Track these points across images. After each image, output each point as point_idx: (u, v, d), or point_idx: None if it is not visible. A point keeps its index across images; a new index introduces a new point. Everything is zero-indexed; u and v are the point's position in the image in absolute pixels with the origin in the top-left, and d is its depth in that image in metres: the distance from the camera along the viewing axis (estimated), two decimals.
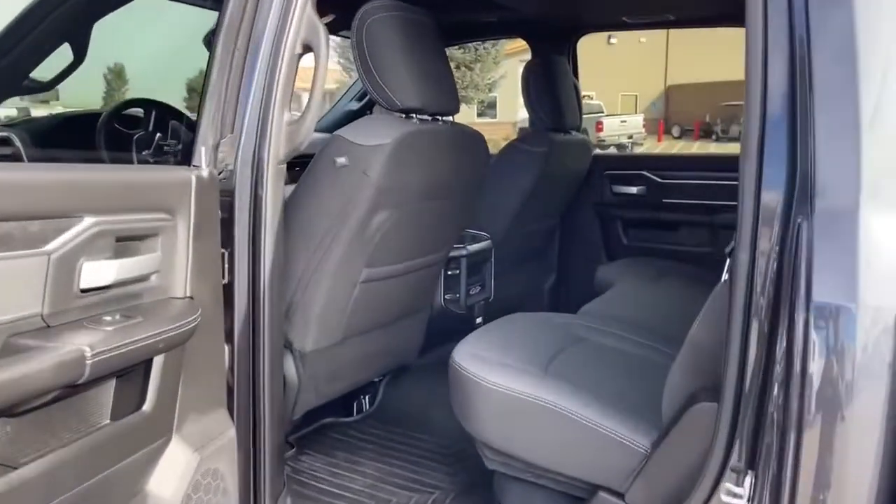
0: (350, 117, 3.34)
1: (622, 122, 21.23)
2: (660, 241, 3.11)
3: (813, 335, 1.00)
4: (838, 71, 1.03)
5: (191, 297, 1.34)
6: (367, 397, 2.35)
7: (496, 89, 22.82)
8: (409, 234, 1.92)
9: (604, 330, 1.96)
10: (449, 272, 2.40)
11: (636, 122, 21.90)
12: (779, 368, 1.05)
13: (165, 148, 2.01)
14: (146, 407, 1.24)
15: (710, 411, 1.23)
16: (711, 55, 24.45)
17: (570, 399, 1.48)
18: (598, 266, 3.21)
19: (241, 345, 1.60)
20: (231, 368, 1.62)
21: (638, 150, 20.50)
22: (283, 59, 1.54)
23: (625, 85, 25.71)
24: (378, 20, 1.73)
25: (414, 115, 1.81)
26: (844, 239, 0.99)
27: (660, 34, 25.48)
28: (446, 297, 2.40)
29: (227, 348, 1.60)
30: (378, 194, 1.70)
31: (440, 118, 1.91)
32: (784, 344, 1.04)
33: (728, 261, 1.21)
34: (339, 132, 1.72)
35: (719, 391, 1.22)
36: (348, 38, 2.71)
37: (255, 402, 1.64)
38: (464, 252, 2.40)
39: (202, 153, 1.41)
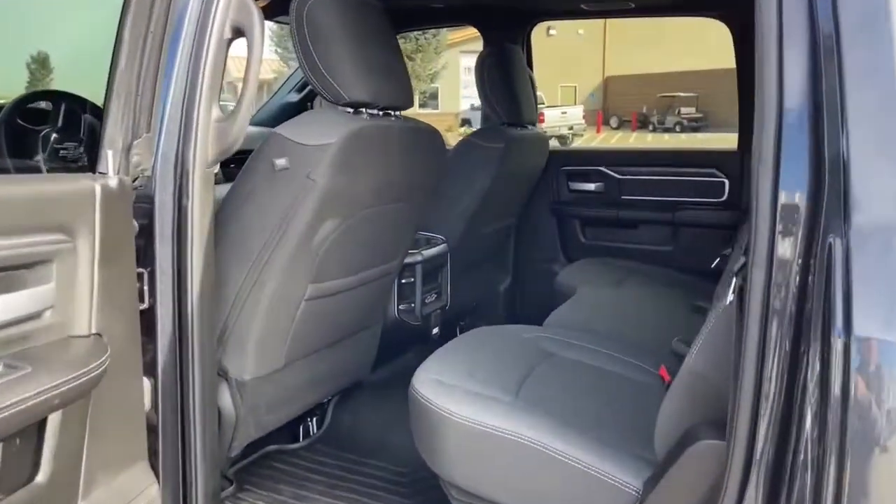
0: (288, 111, 3.09)
1: (563, 113, 21.33)
2: (619, 240, 2.99)
3: (854, 372, 0.84)
4: (877, 45, 0.87)
5: (97, 335, 1.11)
6: (313, 420, 2.14)
7: (438, 80, 22.64)
8: (359, 243, 1.71)
9: (573, 343, 1.81)
10: (403, 280, 2.20)
11: (576, 114, 22.04)
12: (810, 405, 0.90)
13: (62, 152, 1.72)
14: (40, 477, 1.01)
15: (716, 451, 1.08)
16: (648, 47, 24.90)
17: (549, 433, 1.31)
18: (552, 266, 3.08)
19: (165, 379, 1.37)
20: (155, 407, 1.39)
21: (578, 142, 20.66)
22: (209, 44, 1.32)
23: (564, 76, 25.89)
24: (320, 4, 1.51)
25: (363, 110, 1.61)
26: (892, 261, 0.84)
27: (598, 26, 25.77)
28: (400, 307, 2.20)
29: (148, 384, 1.37)
30: (324, 200, 1.49)
31: (391, 113, 1.70)
32: (815, 379, 0.89)
33: (733, 280, 1.05)
34: (278, 129, 1.50)
35: (726, 427, 1.07)
36: (285, 24, 2.48)
37: (184, 446, 1.41)
38: (419, 258, 2.21)
39: (109, 158, 1.17)
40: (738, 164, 2.79)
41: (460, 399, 1.40)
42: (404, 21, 2.96)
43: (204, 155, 1.35)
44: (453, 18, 3.20)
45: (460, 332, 2.98)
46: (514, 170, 2.58)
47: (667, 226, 2.90)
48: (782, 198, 0.93)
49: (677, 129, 24.41)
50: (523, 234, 3.14)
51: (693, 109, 24.77)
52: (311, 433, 2.12)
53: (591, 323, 2.04)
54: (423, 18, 3.06)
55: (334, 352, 1.89)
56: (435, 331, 2.39)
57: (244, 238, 1.52)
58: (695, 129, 24.19)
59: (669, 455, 1.17)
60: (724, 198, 2.81)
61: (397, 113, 1.73)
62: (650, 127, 25.02)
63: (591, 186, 3.02)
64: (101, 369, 1.05)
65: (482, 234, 2.66)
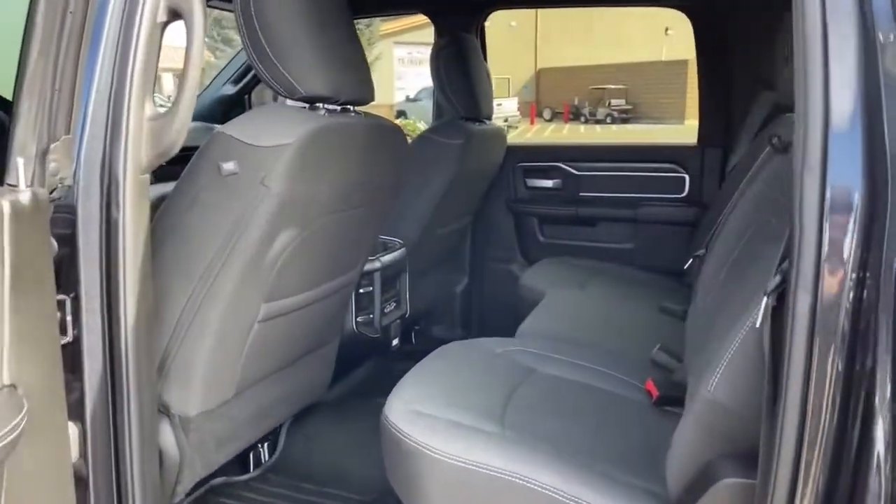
0: (224, 105, 2.85)
1: (498, 105, 21.31)
2: (578, 239, 2.89)
3: None
4: None
5: (10, 386, 0.90)
6: (265, 446, 1.94)
7: (371, 71, 22.20)
8: (318, 255, 1.53)
9: (550, 356, 1.68)
10: (360, 290, 2.02)
11: (511, 106, 22.10)
12: (881, 433, 0.79)
13: None
14: None
15: (744, 490, 0.96)
16: (577, 40, 25.21)
17: (546, 469, 1.17)
18: (510, 266, 2.96)
19: (96, 423, 1.17)
20: (84, 456, 1.18)
21: (513, 134, 20.71)
22: (139, 28, 1.11)
23: (497, 68, 25.94)
24: None
25: (320, 106, 1.42)
26: None
27: (529, 19, 25.91)
28: (358, 319, 2.03)
29: (75, 431, 1.16)
30: (280, 209, 1.30)
31: (350, 108, 1.52)
32: (886, 402, 0.78)
33: (764, 302, 0.93)
34: (223, 129, 1.30)
35: (750, 463, 0.95)
36: (227, 9, 2.24)
37: (120, 497, 1.21)
38: (377, 265, 2.03)
39: (20, 167, 0.95)
40: (698, 158, 2.72)
41: (443, 432, 1.24)
42: (356, 8, 2.76)
43: (137, 159, 1.14)
44: (406, 6, 3.02)
45: (415, 337, 2.83)
46: (472, 167, 2.44)
47: (627, 223, 2.82)
48: (831, 216, 0.81)
49: (608, 120, 24.84)
50: (479, 233, 3.00)
51: (623, 101, 25.26)
52: (263, 461, 1.93)
53: (564, 331, 1.92)
54: (375, 5, 2.86)
55: (289, 374, 1.71)
56: (395, 342, 2.22)
57: (187, 253, 1.32)
58: (625, 121, 24.68)
59: (689, 494, 1.05)
60: (685, 193, 2.75)
61: (356, 109, 1.55)
62: (582, 119, 25.37)
63: (549, 183, 2.91)
64: (15, 433, 0.85)
65: (439, 235, 2.50)
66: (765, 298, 0.92)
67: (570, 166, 2.87)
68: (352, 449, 1.92)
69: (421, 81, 18.83)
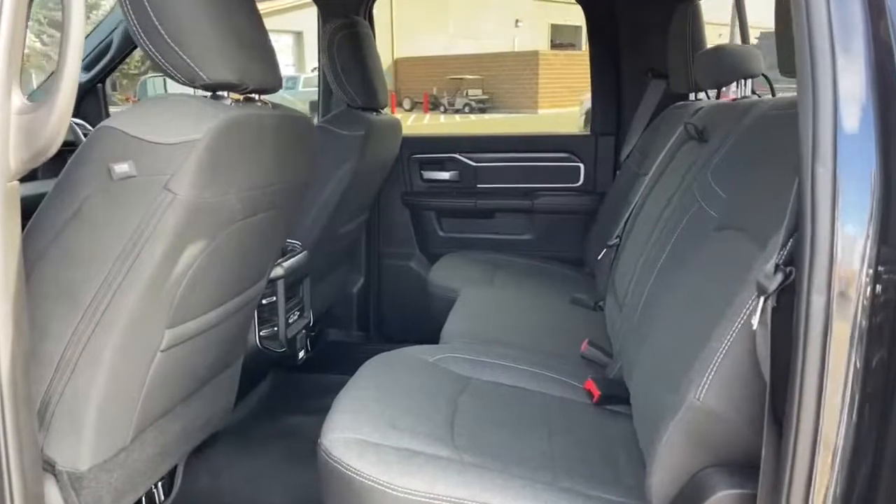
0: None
1: None
2: (476, 231, 2.82)
3: None
4: None
5: None
6: (159, 486, 1.69)
7: None
8: (226, 268, 1.32)
9: (482, 361, 1.58)
10: (263, 301, 1.81)
11: None
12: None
13: None
14: None
15: (743, 502, 0.90)
16: (435, 29, 25.38)
17: (510, 494, 1.07)
18: (409, 262, 2.84)
19: None
20: None
21: None
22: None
23: None
24: None
25: (225, 95, 1.22)
26: None
27: (385, 9, 25.70)
28: (262, 333, 1.82)
29: None
30: (188, 218, 1.09)
31: (254, 98, 1.33)
32: None
33: (761, 303, 0.87)
34: (110, 123, 1.06)
35: (750, 474, 0.90)
36: None
37: None
38: (280, 272, 1.83)
39: None
40: (591, 147, 2.74)
41: (397, 464, 1.10)
42: None
43: (4, 163, 0.90)
44: None
45: (311, 343, 2.64)
46: (372, 160, 2.28)
47: (524, 214, 2.78)
48: (842, 213, 0.76)
49: (466, 110, 25.24)
50: (374, 229, 2.85)
51: (480, 91, 25.77)
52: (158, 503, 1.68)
53: (488, 332, 1.83)
54: None
55: (190, 405, 1.48)
56: (301, 354, 2.03)
57: (70, 277, 1.08)
58: (482, 111, 25.20)
59: None
60: (580, 182, 2.75)
61: (261, 98, 1.35)
62: (441, 108, 25.61)
63: (446, 175, 2.81)
64: None
65: (340, 234, 2.33)
66: (761, 300, 0.86)
67: (466, 157, 2.79)
68: (261, 480, 1.73)
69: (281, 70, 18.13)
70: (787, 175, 1.08)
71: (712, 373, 0.94)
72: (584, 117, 14.40)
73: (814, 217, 0.77)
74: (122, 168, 1.03)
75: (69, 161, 1.08)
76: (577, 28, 28.93)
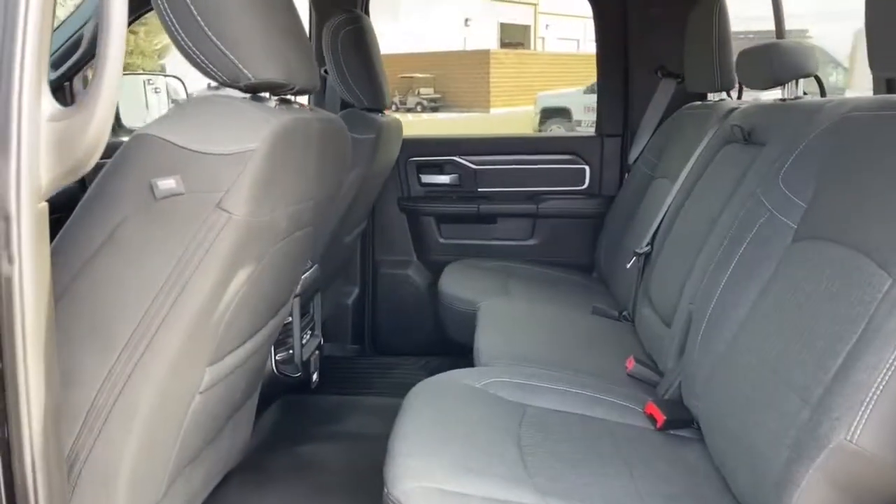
0: None
1: None
2: (479, 237, 2.69)
3: None
4: None
5: None
6: None
7: (166, 56, 20.46)
8: (263, 293, 1.16)
9: (532, 385, 1.46)
10: None
11: None
12: None
13: None
14: None
15: None
16: (383, 30, 25.15)
17: None
18: (406, 271, 2.70)
19: None
20: None
21: None
22: None
23: None
24: None
25: (267, 96, 1.06)
26: None
27: None
28: (277, 358, 1.65)
29: None
30: (243, 241, 0.94)
31: (290, 100, 1.17)
32: None
33: None
34: (149, 130, 0.90)
35: None
36: None
37: None
38: (296, 289, 1.66)
39: None
40: (597, 149, 2.64)
41: None
42: None
43: (34, 180, 0.73)
44: None
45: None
46: (379, 164, 2.13)
47: (528, 218, 2.67)
48: None
49: (418, 108, 25.09)
50: (369, 236, 2.70)
51: (431, 90, 25.64)
52: None
53: (524, 350, 1.70)
54: None
55: (214, 446, 1.31)
56: (315, 377, 1.87)
57: (103, 312, 0.90)
58: (434, 110, 25.08)
59: None
60: (586, 185, 2.66)
61: (296, 100, 1.20)
62: (393, 107, 25.36)
63: (446, 179, 2.68)
64: None
65: (346, 244, 2.17)
66: None
67: (466, 160, 2.66)
68: None
69: None
70: None
71: (867, 410, 0.83)
72: (538, 116, 14.46)
73: None
74: (167, 184, 0.87)
75: (99, 176, 0.91)
76: (526, 27, 29.15)
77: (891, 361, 0.83)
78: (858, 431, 0.84)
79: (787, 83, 1.66)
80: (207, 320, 0.96)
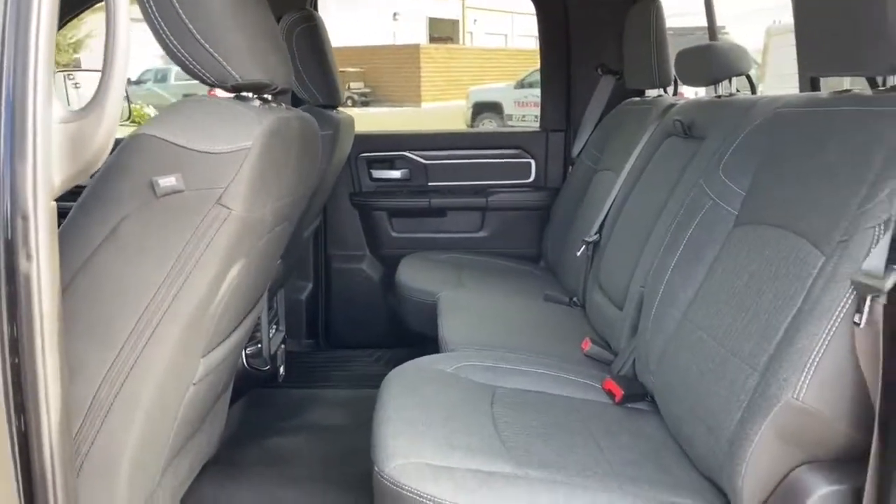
0: None
1: None
2: (430, 230, 2.76)
3: None
4: None
5: None
6: None
7: (81, 50, 19.61)
8: (248, 286, 1.20)
9: (499, 368, 1.54)
10: None
11: None
12: None
13: None
14: None
15: (841, 499, 0.93)
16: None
17: None
18: (360, 265, 2.75)
19: None
20: None
21: None
22: None
23: None
24: None
25: (251, 96, 1.10)
26: None
27: None
28: (248, 352, 1.68)
29: None
30: (239, 235, 0.98)
31: (268, 99, 1.21)
32: None
33: (868, 300, 0.89)
34: (147, 130, 0.93)
35: (842, 468, 0.93)
36: None
37: None
38: (269, 283, 1.69)
39: None
40: (542, 144, 2.75)
41: (477, 488, 1.04)
42: None
43: (47, 178, 0.76)
44: None
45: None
46: (336, 160, 2.17)
47: (478, 211, 2.76)
48: None
49: (349, 103, 24.84)
50: (322, 231, 2.73)
51: (362, 84, 25.48)
52: None
53: (487, 336, 1.79)
54: None
55: (196, 438, 1.34)
56: (281, 370, 1.90)
57: (104, 308, 0.93)
58: (365, 104, 24.93)
59: None
60: (532, 178, 2.76)
61: (274, 99, 1.24)
62: None
63: (396, 174, 2.73)
64: None
65: (303, 239, 2.20)
66: (868, 299, 0.88)
67: (417, 155, 2.72)
68: None
69: (143, 62, 17.06)
70: (834, 175, 1.12)
71: (810, 372, 0.95)
72: (470, 111, 14.61)
73: None
74: (168, 182, 0.90)
75: (96, 176, 0.93)
76: (455, 22, 29.31)
77: (829, 328, 0.94)
78: (803, 390, 0.95)
79: (723, 81, 1.79)
80: (204, 313, 1.00)
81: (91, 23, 18.79)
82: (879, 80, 1.16)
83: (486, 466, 1.12)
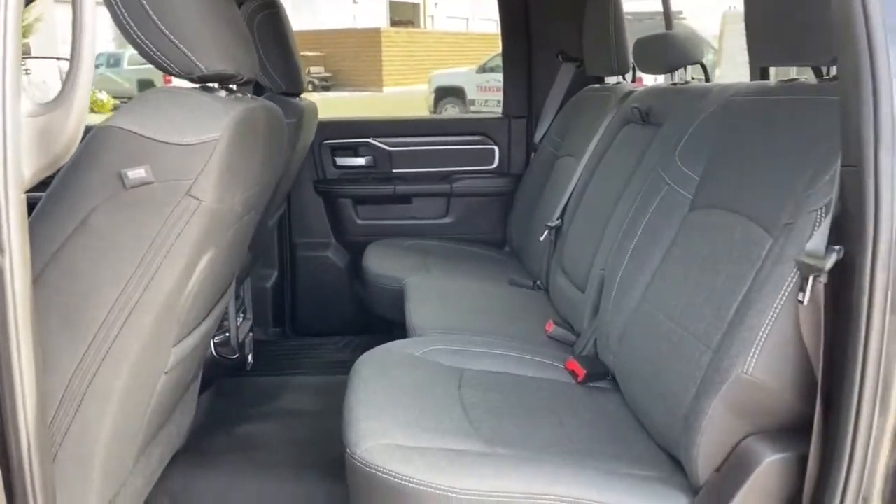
0: None
1: None
2: (396, 217, 2.78)
3: None
4: None
5: None
6: None
7: (31, 34, 18.96)
8: (217, 276, 1.21)
9: (466, 351, 1.59)
10: None
11: None
12: None
13: None
14: None
15: (787, 466, 0.99)
16: None
17: (556, 481, 1.09)
18: (325, 252, 2.76)
19: None
20: None
21: None
22: None
23: None
24: None
25: (215, 87, 1.11)
26: None
27: None
28: (216, 341, 1.68)
29: None
30: (209, 225, 0.99)
31: (233, 89, 1.22)
32: None
33: (811, 280, 0.95)
34: (114, 122, 0.93)
35: (787, 438, 0.99)
36: None
37: None
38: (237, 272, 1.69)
39: None
40: (505, 130, 2.79)
41: (447, 466, 1.08)
42: None
43: (17, 171, 0.77)
44: None
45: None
46: (299, 148, 2.17)
47: (443, 197, 2.79)
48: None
49: (310, 88, 24.49)
50: (286, 220, 2.73)
51: (322, 69, 25.16)
52: None
53: (454, 320, 1.83)
54: None
55: (167, 427, 1.35)
56: (250, 358, 1.91)
57: (75, 300, 0.94)
58: (326, 89, 24.63)
59: (725, 478, 1.04)
60: (495, 164, 2.80)
61: (238, 89, 1.25)
62: None
63: (361, 161, 2.74)
64: None
65: (268, 228, 2.20)
66: (810, 278, 0.94)
67: (381, 142, 2.73)
68: (232, 496, 1.62)
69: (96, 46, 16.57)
70: (781, 161, 1.18)
71: (759, 347, 1.01)
72: (433, 95, 14.56)
73: (877, 199, 0.85)
74: (137, 174, 0.91)
75: (64, 168, 0.93)
76: (416, 5, 29.09)
77: (776, 307, 1.00)
78: (752, 365, 1.01)
79: (678, 69, 1.85)
80: (175, 303, 1.01)
81: (40, 7, 18.17)
82: (824, 69, 1.22)
83: (455, 446, 1.15)
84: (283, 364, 2.42)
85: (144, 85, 16.59)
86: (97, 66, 16.96)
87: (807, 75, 1.28)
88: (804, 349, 0.97)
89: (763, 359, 1.01)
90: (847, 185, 0.91)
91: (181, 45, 1.00)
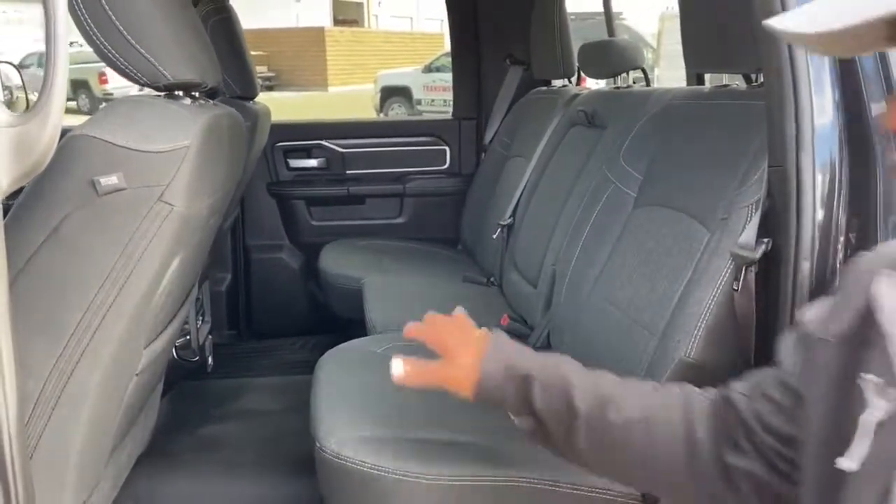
0: None
1: None
2: (349, 218, 2.82)
3: None
4: None
5: None
6: None
7: None
8: (184, 278, 1.24)
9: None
10: None
11: None
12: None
13: None
14: None
15: None
16: None
17: (526, 464, 1.16)
18: (279, 254, 2.78)
19: None
20: None
21: None
22: None
23: None
24: None
25: (180, 95, 1.14)
26: None
27: None
28: (177, 344, 1.70)
29: None
30: (180, 230, 1.02)
31: (195, 96, 1.25)
32: None
33: (743, 270, 1.04)
34: (85, 130, 0.96)
35: None
36: None
37: None
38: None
39: None
40: (456, 131, 2.85)
41: (414, 455, 1.14)
42: None
43: None
44: None
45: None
46: (254, 151, 2.19)
47: (396, 198, 2.84)
48: (822, 178, 0.94)
49: None
50: (240, 222, 2.73)
51: (265, 68, 24.81)
52: None
53: (412, 317, 1.86)
54: None
55: (133, 430, 1.37)
56: (210, 361, 1.92)
57: (48, 306, 0.96)
58: (269, 89, 24.28)
59: None
60: (447, 165, 2.87)
61: (200, 96, 1.28)
62: None
63: (314, 162, 2.77)
64: None
65: (224, 231, 2.21)
66: (743, 269, 1.03)
67: (333, 144, 2.77)
68: (200, 499, 1.64)
69: (25, 45, 15.97)
70: (716, 161, 1.27)
71: (699, 333, 1.10)
72: (379, 95, 14.55)
73: (799, 195, 0.94)
74: (109, 181, 0.94)
75: (36, 176, 0.95)
76: (360, 4, 28.95)
77: (712, 295, 1.09)
78: (693, 349, 1.10)
79: (621, 74, 1.95)
80: (147, 306, 1.04)
81: None
82: (753, 76, 1.32)
83: (421, 435, 1.21)
84: (242, 366, 2.43)
85: (78, 85, 16.09)
86: (28, 67, 16.37)
87: (738, 81, 1.38)
88: (738, 333, 1.07)
89: (702, 343, 1.10)
90: (774, 183, 1.00)
91: (147, 54, 1.03)
